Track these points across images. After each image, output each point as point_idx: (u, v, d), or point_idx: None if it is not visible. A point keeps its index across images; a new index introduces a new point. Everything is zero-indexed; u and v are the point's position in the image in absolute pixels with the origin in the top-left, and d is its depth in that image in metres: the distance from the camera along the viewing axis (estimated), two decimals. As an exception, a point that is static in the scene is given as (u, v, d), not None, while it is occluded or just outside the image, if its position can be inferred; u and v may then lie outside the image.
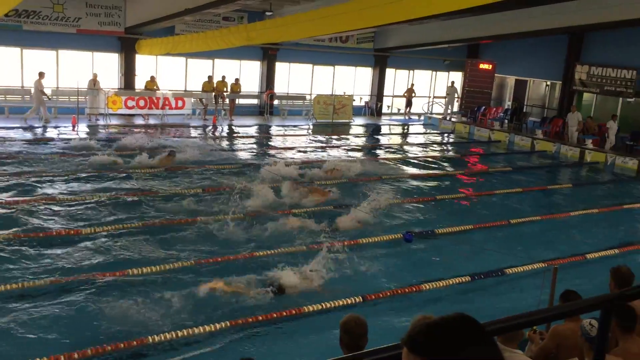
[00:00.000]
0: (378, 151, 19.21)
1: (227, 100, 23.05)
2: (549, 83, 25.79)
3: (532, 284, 7.61)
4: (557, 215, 12.16)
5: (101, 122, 19.98)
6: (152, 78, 21.77)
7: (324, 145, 19.17)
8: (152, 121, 21.06)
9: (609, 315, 2.70)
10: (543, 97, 26.38)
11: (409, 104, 27.65)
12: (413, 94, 27.61)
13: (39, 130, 17.80)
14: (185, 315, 6.51)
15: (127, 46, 21.73)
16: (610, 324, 2.74)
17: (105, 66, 21.73)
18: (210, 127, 20.98)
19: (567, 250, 9.60)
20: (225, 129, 21.16)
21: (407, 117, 27.64)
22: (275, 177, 12.60)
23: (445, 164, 17.51)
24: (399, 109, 28.56)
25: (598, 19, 17.70)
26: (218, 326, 6.21)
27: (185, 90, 23.27)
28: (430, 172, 15.88)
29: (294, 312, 6.67)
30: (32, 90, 19.15)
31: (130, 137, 16.70)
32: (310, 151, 17.89)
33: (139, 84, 22.19)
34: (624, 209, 13.06)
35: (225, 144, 18.56)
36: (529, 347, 5.00)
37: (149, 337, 5.88)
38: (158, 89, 21.74)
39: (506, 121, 25.14)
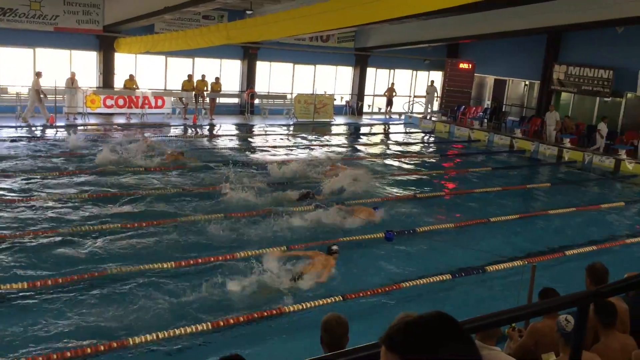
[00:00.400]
0: (358, 150, 19.25)
1: (207, 100, 22.93)
2: (527, 83, 26.06)
3: (512, 281, 7.68)
4: (536, 213, 12.30)
5: (79, 121, 19.75)
6: (131, 77, 21.57)
7: (308, 144, 19.17)
8: (131, 120, 20.87)
9: (585, 312, 2.75)
10: (522, 96, 26.64)
11: (389, 103, 27.76)
12: (394, 93, 27.72)
13: (18, 129, 17.56)
14: (166, 317, 6.46)
15: (105, 44, 21.50)
16: (586, 320, 2.79)
17: (83, 65, 21.47)
18: (191, 126, 20.86)
19: (546, 248, 9.73)
20: (207, 128, 21.05)
21: (387, 117, 27.74)
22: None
23: (425, 163, 17.62)
24: (379, 108, 28.66)
25: (576, 19, 17.93)
26: (199, 327, 6.18)
27: (165, 89, 23.10)
28: (411, 170, 15.96)
29: (274, 312, 6.67)
30: (29, 90, 19.05)
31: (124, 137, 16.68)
32: (295, 150, 17.89)
33: (118, 82, 21.97)
34: (602, 207, 13.25)
35: (222, 143, 18.46)
36: (507, 344, 5.05)
37: (130, 339, 5.83)
38: (137, 88, 21.55)
39: (486, 120, 25.37)
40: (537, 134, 22.47)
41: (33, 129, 17.81)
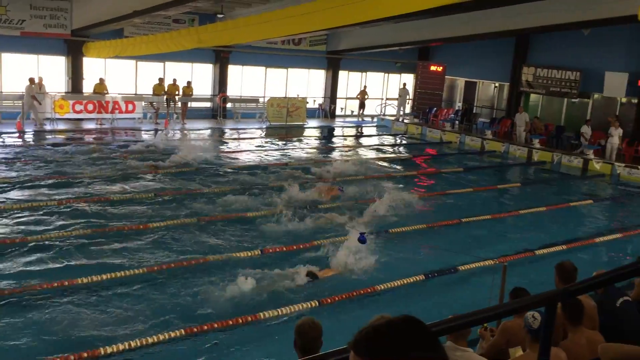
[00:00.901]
0: (331, 153, 19.28)
1: (179, 104, 22.73)
2: (497, 84, 26.45)
3: (484, 281, 7.76)
4: (507, 213, 12.46)
5: (48, 127, 19.40)
6: (101, 80, 21.23)
7: (283, 148, 19.15)
8: (103, 125, 20.57)
9: (553, 311, 2.79)
10: (492, 98, 27.02)
11: (362, 105, 27.88)
12: (366, 96, 27.85)
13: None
14: (138, 324, 6.38)
15: (74, 49, 21.14)
16: (554, 318, 2.83)
17: (51, 69, 21.09)
18: (165, 131, 20.63)
19: (517, 248, 9.86)
20: (179, 133, 20.86)
21: (360, 119, 27.84)
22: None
23: (398, 165, 17.72)
24: (352, 111, 28.76)
25: (543, 22, 18.28)
26: (172, 334, 6.11)
27: (135, 94, 22.80)
28: (383, 173, 16.03)
29: (249, 318, 6.62)
30: (24, 96, 18.87)
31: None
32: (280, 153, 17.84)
33: (87, 87, 21.62)
34: (570, 206, 13.49)
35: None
36: (480, 344, 5.10)
37: (101, 349, 5.73)
38: (107, 93, 21.24)
39: (457, 122, 25.64)
40: (507, 135, 22.79)
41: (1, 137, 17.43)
